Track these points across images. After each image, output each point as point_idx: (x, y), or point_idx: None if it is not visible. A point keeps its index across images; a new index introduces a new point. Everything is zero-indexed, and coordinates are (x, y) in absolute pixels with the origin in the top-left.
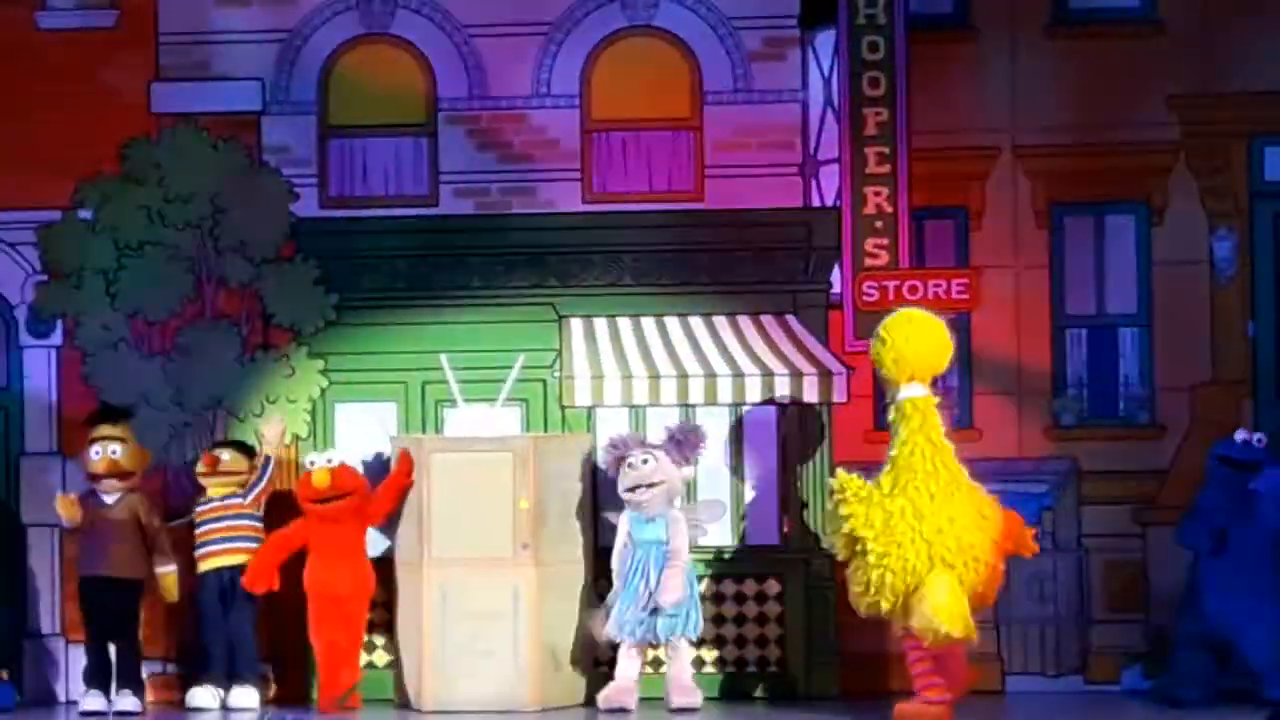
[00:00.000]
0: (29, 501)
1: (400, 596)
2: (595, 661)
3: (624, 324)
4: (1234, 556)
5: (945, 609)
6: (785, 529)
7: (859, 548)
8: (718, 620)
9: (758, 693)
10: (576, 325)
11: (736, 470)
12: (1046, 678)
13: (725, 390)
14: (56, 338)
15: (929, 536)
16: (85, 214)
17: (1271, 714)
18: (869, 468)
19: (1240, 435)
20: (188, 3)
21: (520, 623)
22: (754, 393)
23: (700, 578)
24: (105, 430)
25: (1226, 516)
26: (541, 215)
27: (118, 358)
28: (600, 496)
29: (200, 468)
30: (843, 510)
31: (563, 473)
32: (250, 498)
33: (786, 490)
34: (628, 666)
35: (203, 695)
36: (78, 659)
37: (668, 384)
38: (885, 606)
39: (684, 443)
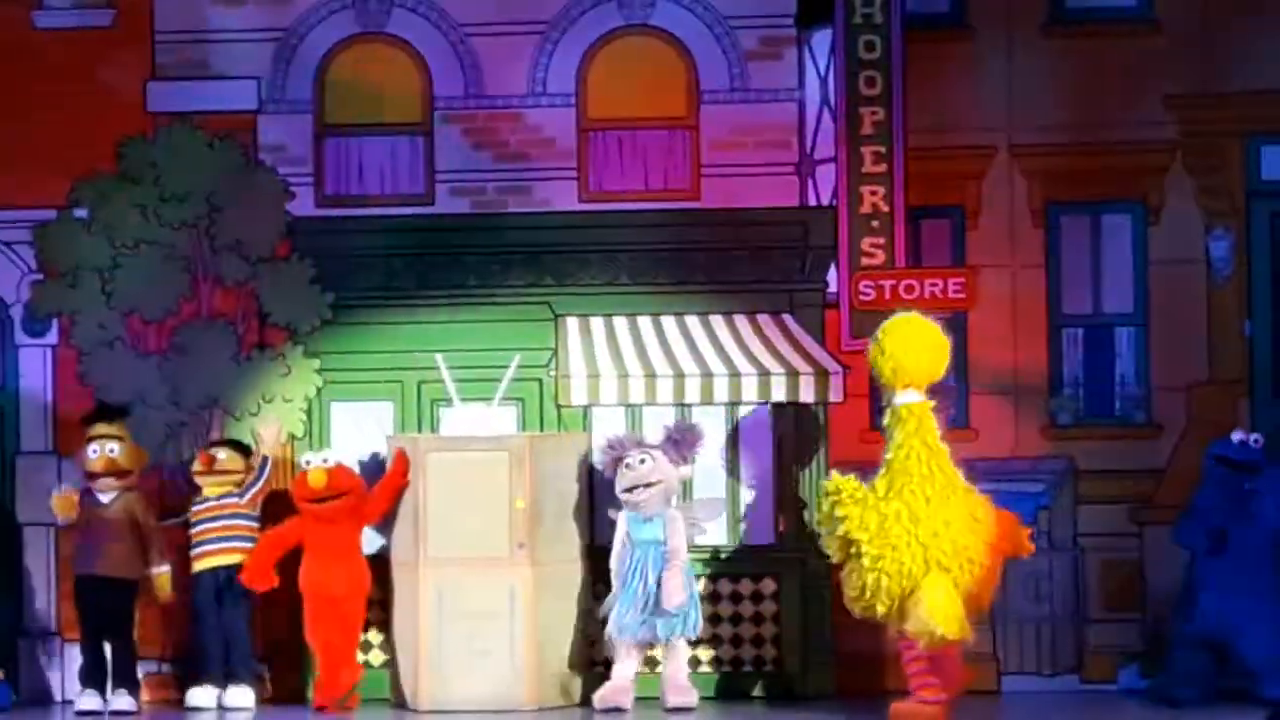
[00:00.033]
0: (24, 500)
1: (396, 596)
2: (591, 661)
3: (620, 323)
4: (1231, 556)
5: (940, 612)
6: (781, 528)
7: (853, 550)
8: (714, 620)
9: (754, 692)
10: (572, 324)
11: (732, 470)
12: (1043, 677)
13: (721, 389)
14: (52, 337)
15: (924, 540)
16: (81, 213)
17: (1271, 714)
18: (865, 467)
19: (1237, 436)
20: (184, 2)
21: (516, 622)
22: (750, 392)
23: (697, 577)
24: (103, 429)
25: (1223, 516)
26: (537, 214)
27: (114, 357)
28: (596, 496)
29: (196, 466)
30: (838, 512)
31: (559, 472)
32: (247, 497)
33: (782, 490)
34: (624, 666)
35: (201, 695)
36: (74, 658)
37: (664, 383)
38: (881, 610)
39: (681, 442)
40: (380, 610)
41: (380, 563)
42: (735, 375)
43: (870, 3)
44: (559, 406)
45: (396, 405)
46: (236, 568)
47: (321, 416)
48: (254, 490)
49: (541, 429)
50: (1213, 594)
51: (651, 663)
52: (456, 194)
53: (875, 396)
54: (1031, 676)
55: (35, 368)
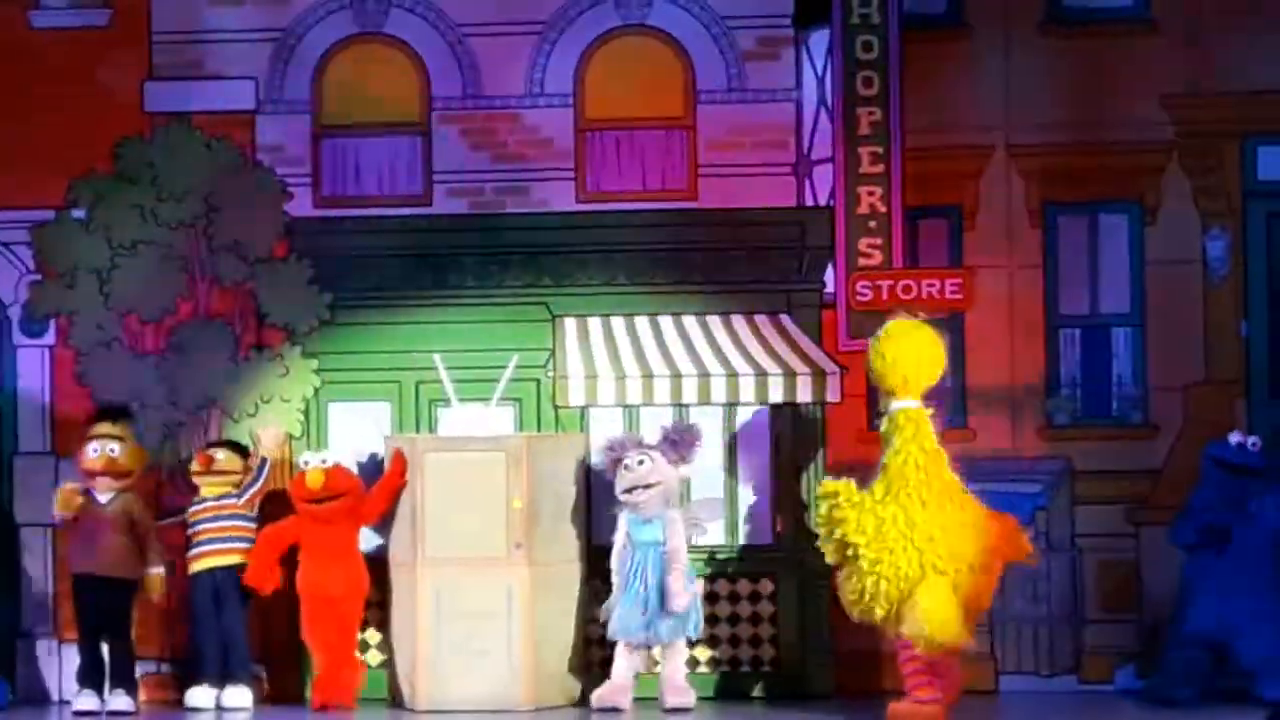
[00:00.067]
0: (22, 501)
1: (394, 596)
2: (589, 661)
3: (618, 323)
4: (1229, 557)
5: (936, 616)
6: (779, 529)
7: (850, 553)
8: (712, 620)
9: (752, 692)
10: (570, 325)
11: (730, 470)
12: (1040, 677)
13: (719, 390)
14: (50, 337)
15: (921, 544)
16: (79, 213)
17: (1270, 714)
18: (862, 468)
19: (1235, 438)
20: (181, 2)
21: (514, 622)
22: (747, 392)
23: (695, 577)
24: (105, 428)
25: (1220, 517)
26: (535, 215)
27: (112, 357)
28: (594, 496)
29: (195, 466)
30: (836, 515)
31: (556, 472)
32: (244, 498)
33: (780, 490)
34: (624, 666)
35: (199, 695)
36: (71, 659)
37: (661, 383)
38: (879, 614)
39: (679, 442)
40: (378, 610)
41: (378, 563)
42: (733, 376)
43: (868, 3)
44: (556, 407)
45: (394, 405)
46: (234, 568)
47: (319, 417)
48: (252, 491)
49: (539, 429)
50: (1210, 594)
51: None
52: (454, 194)
53: (873, 397)
54: (1029, 676)
55: (33, 368)
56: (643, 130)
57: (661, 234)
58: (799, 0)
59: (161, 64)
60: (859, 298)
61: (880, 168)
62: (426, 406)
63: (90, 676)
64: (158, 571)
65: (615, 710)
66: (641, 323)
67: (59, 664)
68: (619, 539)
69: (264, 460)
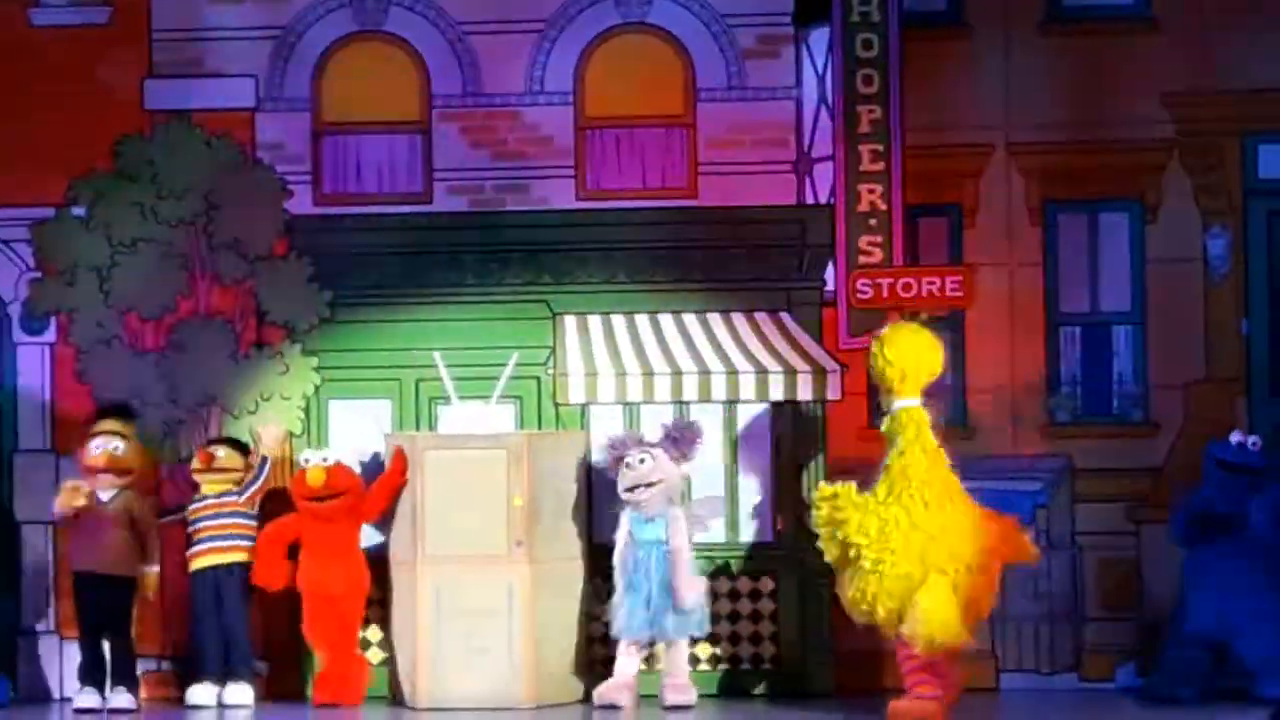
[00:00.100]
0: (23, 499)
1: (395, 594)
2: (590, 659)
3: (618, 321)
4: (1229, 556)
5: (936, 616)
6: (779, 526)
7: (852, 554)
8: (712, 618)
9: (752, 690)
10: (570, 322)
11: (730, 468)
12: (1041, 675)
13: (719, 387)
14: (50, 335)
15: (922, 545)
16: (79, 211)
17: (1273, 713)
18: (863, 466)
19: (1235, 437)
20: None
21: (515, 620)
22: (748, 390)
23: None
24: (109, 425)
25: (1212, 509)
26: (535, 212)
27: (112, 355)
28: (595, 494)
29: (195, 464)
30: (838, 517)
31: (557, 470)
32: (245, 496)
33: (780, 488)
34: (626, 664)
35: (200, 692)
36: (72, 656)
37: (661, 381)
38: (880, 614)
39: (680, 439)
40: (379, 608)
41: (379, 561)
42: (733, 373)
43: (868, 1)
44: (557, 405)
45: (395, 403)
46: (235, 566)
47: (319, 415)
48: (253, 489)
49: (540, 427)
50: (1211, 593)
51: (649, 660)
52: (454, 192)
53: (873, 394)
54: (1030, 674)
55: (33, 366)
56: (643, 128)
57: (662, 232)
58: None
59: (161, 62)
60: (859, 295)
61: (880, 166)
62: (427, 404)
63: (91, 674)
64: (153, 570)
65: (613, 707)
66: (642, 320)
67: (60, 661)
68: (621, 537)
69: (265, 459)
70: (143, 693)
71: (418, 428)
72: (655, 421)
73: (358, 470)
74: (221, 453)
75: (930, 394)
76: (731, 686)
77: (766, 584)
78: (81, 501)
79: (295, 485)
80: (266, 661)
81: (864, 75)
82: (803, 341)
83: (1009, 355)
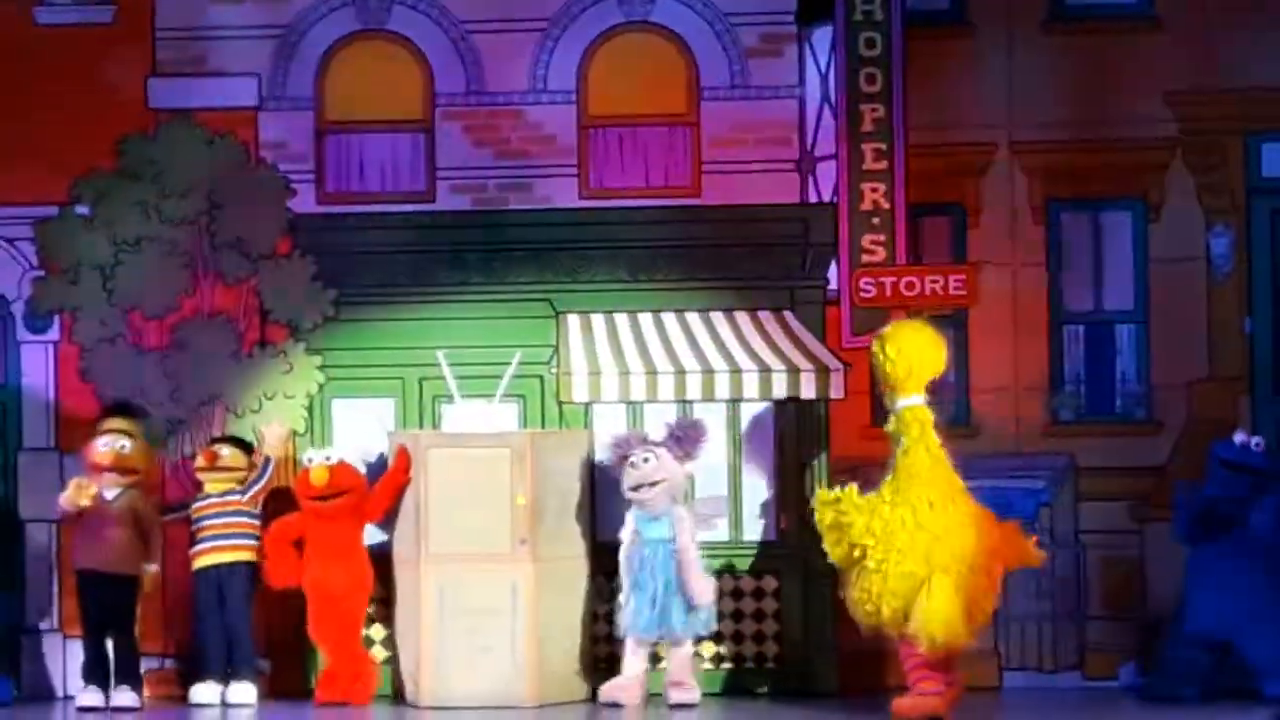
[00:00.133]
0: (27, 497)
1: (398, 593)
2: (594, 658)
3: (621, 320)
4: (1232, 555)
5: (940, 616)
6: (782, 525)
7: (856, 554)
8: (715, 617)
9: (756, 689)
10: (574, 321)
11: (733, 467)
12: (1044, 674)
13: (722, 386)
14: (54, 333)
15: (927, 544)
16: (82, 209)
17: (1276, 713)
18: (865, 464)
19: (1239, 438)
20: None
21: (518, 619)
22: (751, 389)
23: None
24: (117, 423)
25: (1218, 508)
26: (538, 211)
27: (115, 353)
28: (598, 492)
29: (199, 462)
30: (843, 521)
31: (560, 469)
32: (248, 495)
33: (784, 486)
34: (633, 663)
35: (204, 691)
36: (76, 654)
37: (665, 380)
38: (885, 614)
39: (684, 438)
40: (382, 607)
41: (382, 559)
42: (736, 372)
43: (870, 0)
44: (560, 403)
45: (398, 402)
46: (238, 564)
47: (323, 413)
48: (256, 488)
49: (543, 426)
50: (1213, 592)
51: (653, 659)
52: (457, 191)
53: (876, 393)
54: (1033, 673)
55: (37, 364)
56: (646, 127)
57: (665, 230)
58: None
59: (165, 60)
60: (862, 294)
61: (883, 164)
62: (430, 403)
63: (94, 672)
64: (153, 568)
65: (616, 705)
66: (645, 319)
67: (63, 660)
68: (627, 536)
69: (268, 459)
70: (146, 691)
71: (421, 426)
72: (659, 420)
73: (362, 469)
74: (225, 451)
75: (933, 393)
76: (735, 685)
77: (770, 583)
78: (87, 500)
79: (299, 484)
80: (269, 660)
81: (867, 74)
82: (806, 340)
83: (1012, 354)
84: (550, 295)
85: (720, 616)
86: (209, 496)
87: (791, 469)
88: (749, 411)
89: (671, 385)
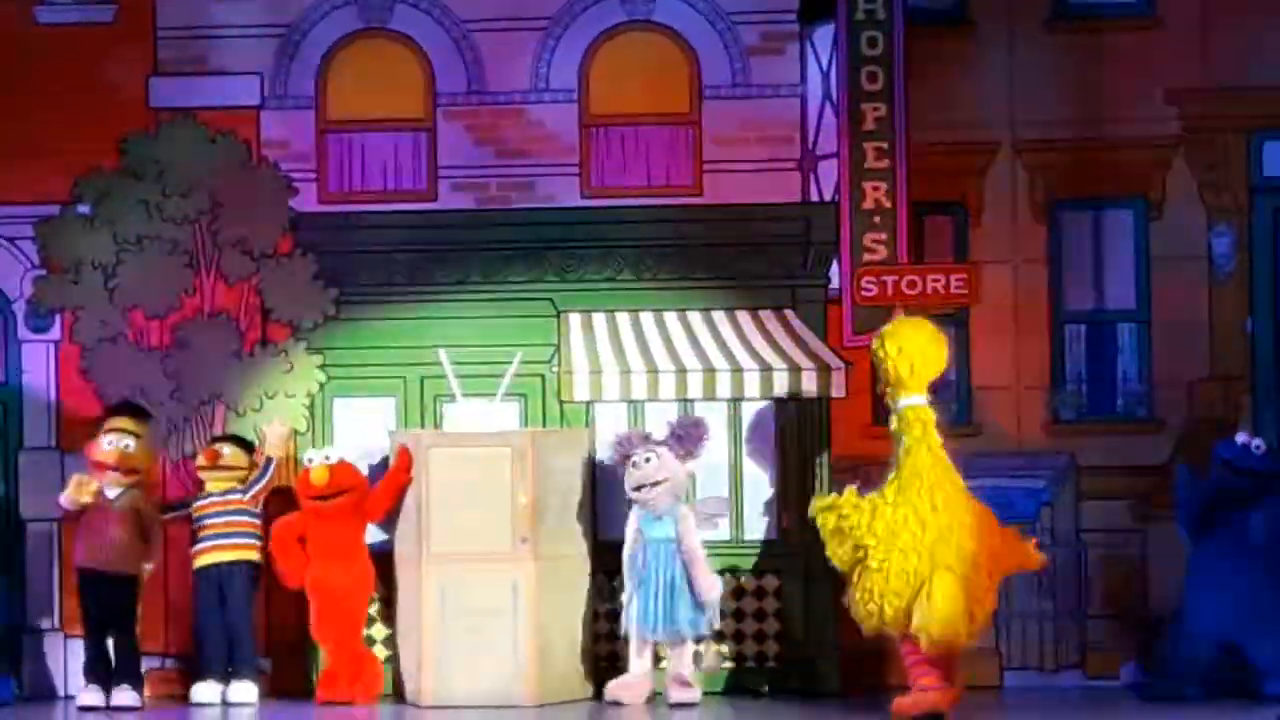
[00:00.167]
0: (28, 496)
1: (399, 592)
2: (595, 657)
3: (622, 319)
4: (1233, 554)
5: (943, 613)
6: (784, 524)
7: (860, 555)
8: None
9: (757, 688)
10: (575, 320)
11: (735, 465)
12: (1045, 672)
13: (724, 385)
14: (55, 332)
15: (931, 543)
16: (84, 209)
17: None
18: (866, 463)
19: (1240, 439)
20: None
21: (519, 618)
22: (752, 387)
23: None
24: (123, 423)
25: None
26: (540, 210)
27: (116, 352)
28: (599, 491)
29: (201, 461)
30: (845, 525)
31: (561, 468)
32: (250, 494)
33: (785, 485)
34: (639, 662)
35: (205, 690)
36: (77, 653)
37: (666, 379)
38: (888, 612)
39: (685, 437)
40: (383, 606)
41: (383, 558)
42: (738, 370)
43: None
44: (561, 402)
45: (399, 401)
46: (239, 563)
47: (324, 412)
48: (257, 488)
49: (544, 425)
50: (1215, 591)
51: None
52: (459, 190)
53: (877, 392)
54: (1034, 672)
55: (38, 363)
56: (648, 125)
57: (666, 229)
58: None
59: (166, 60)
60: (864, 293)
61: (885, 163)
62: (431, 402)
63: (96, 671)
64: (149, 566)
65: (617, 704)
66: (646, 318)
67: (64, 659)
68: (630, 535)
69: (269, 459)
70: (147, 690)
71: (422, 425)
72: (660, 419)
73: (362, 468)
74: (226, 450)
75: (935, 392)
76: (736, 684)
77: (771, 582)
78: (88, 497)
79: (299, 485)
80: (270, 659)
81: (869, 72)
82: (807, 339)
83: (1013, 353)
84: (551, 294)
85: (721, 615)
86: (210, 495)
87: (793, 468)
88: (750, 410)
89: (673, 384)
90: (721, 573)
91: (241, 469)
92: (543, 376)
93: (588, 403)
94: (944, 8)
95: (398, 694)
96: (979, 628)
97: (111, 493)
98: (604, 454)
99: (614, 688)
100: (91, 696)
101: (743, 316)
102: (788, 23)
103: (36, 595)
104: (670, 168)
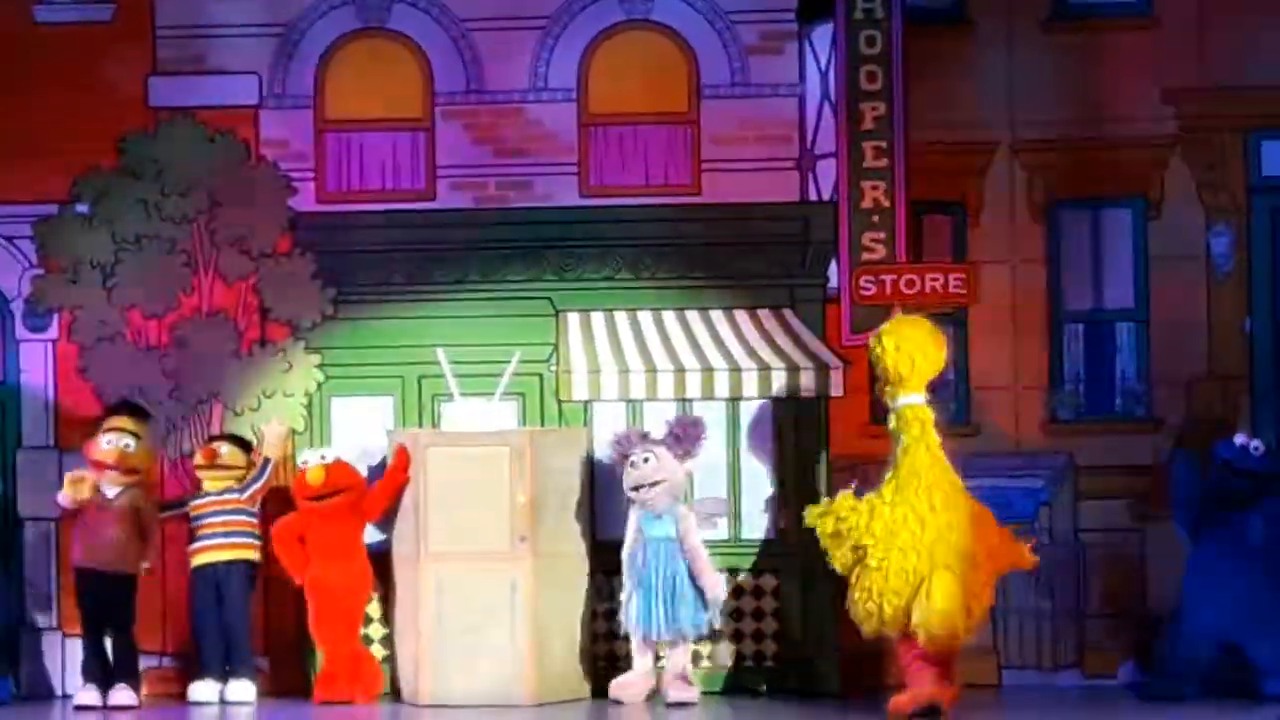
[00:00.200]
0: (26, 495)
1: (397, 591)
2: (593, 656)
3: (621, 318)
4: (1232, 554)
5: (942, 610)
6: (782, 523)
7: (859, 555)
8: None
9: (755, 687)
10: (573, 319)
11: (733, 465)
12: (1043, 672)
13: (722, 384)
14: (54, 331)
15: (930, 542)
16: (82, 208)
17: None
18: (864, 462)
19: (1239, 440)
20: None
21: (517, 617)
22: (751, 387)
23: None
24: (123, 422)
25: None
26: (538, 209)
27: (114, 351)
28: (598, 490)
29: (198, 460)
30: (843, 528)
31: (560, 467)
32: (247, 494)
33: (783, 485)
34: (642, 661)
35: (202, 689)
36: (74, 652)
37: (664, 378)
38: (888, 611)
39: (683, 437)
40: (382, 605)
41: (381, 558)
42: (736, 370)
43: None
44: (560, 401)
45: (397, 400)
46: (236, 562)
47: (322, 411)
48: (255, 487)
49: (542, 424)
50: (1214, 590)
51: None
52: (458, 189)
53: (876, 391)
54: (1032, 671)
55: (36, 362)
56: (646, 125)
57: (665, 229)
58: None
59: (165, 59)
60: (862, 292)
61: (884, 162)
62: (430, 401)
63: (93, 670)
64: (145, 568)
65: (618, 703)
66: (645, 317)
67: (62, 658)
68: (630, 535)
69: (267, 460)
70: (144, 689)
71: (420, 425)
72: (658, 418)
73: (361, 468)
74: (224, 449)
75: (933, 391)
76: (734, 684)
77: (769, 581)
78: (87, 492)
79: (296, 487)
80: (268, 658)
81: (867, 72)
82: (805, 338)
83: (1012, 352)
84: (550, 293)
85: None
86: (207, 494)
87: (791, 467)
88: (749, 410)
89: (671, 383)
90: (719, 572)
91: (239, 468)
92: (541, 376)
93: (586, 402)
94: (942, 7)
95: (395, 693)
96: (976, 625)
97: (110, 492)
98: (602, 453)
99: (615, 686)
100: (89, 695)
101: (741, 316)
102: (786, 22)
103: (34, 594)
104: (669, 167)
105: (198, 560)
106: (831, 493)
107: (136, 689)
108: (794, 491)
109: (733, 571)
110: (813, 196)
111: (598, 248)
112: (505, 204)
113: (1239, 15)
